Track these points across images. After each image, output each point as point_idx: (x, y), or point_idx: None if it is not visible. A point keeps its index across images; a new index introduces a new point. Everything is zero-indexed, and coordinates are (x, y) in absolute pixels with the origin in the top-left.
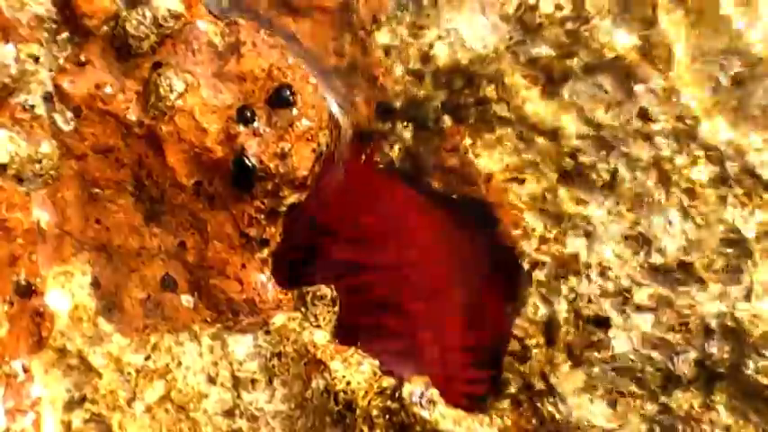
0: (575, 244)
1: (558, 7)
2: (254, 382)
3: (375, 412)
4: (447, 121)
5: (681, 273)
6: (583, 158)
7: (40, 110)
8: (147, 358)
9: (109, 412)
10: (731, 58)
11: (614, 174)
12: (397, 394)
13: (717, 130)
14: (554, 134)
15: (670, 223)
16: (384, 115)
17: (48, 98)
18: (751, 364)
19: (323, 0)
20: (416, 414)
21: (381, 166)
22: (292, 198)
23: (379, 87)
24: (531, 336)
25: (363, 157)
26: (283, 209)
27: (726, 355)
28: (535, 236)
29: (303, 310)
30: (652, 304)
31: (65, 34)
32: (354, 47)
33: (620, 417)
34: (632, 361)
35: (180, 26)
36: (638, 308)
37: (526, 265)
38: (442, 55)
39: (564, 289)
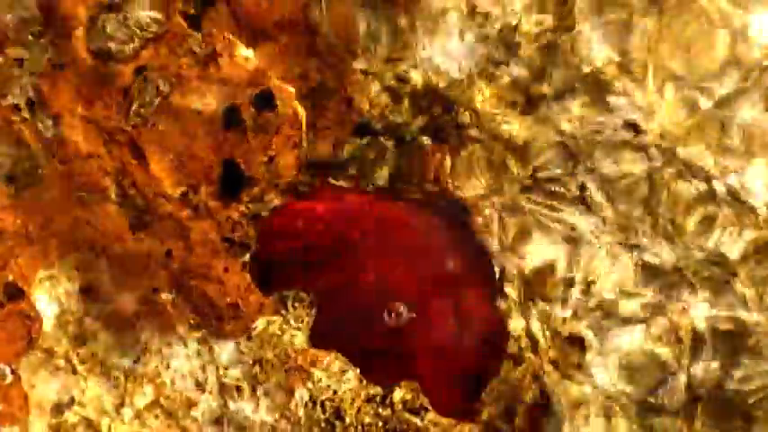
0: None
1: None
2: (239, 389)
3: (367, 420)
4: (426, 141)
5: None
6: (553, 173)
7: (26, 113)
8: (136, 361)
9: (98, 416)
10: (712, 78)
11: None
12: (387, 400)
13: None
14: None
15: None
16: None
17: (31, 102)
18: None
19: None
20: (408, 420)
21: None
22: (276, 202)
23: (355, 110)
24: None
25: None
26: (266, 213)
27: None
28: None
29: (283, 312)
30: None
31: (47, 37)
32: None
33: None
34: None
35: (161, 32)
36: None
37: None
38: (417, 79)
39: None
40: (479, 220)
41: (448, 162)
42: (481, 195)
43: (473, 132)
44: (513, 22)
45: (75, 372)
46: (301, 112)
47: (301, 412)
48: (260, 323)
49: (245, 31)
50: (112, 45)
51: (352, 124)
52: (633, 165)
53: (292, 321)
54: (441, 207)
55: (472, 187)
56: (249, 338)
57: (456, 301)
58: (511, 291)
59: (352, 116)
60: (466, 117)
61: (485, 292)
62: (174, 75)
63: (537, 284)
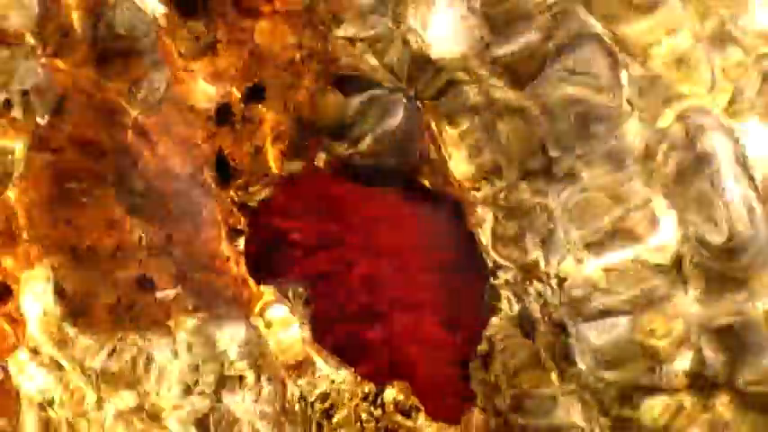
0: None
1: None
2: (241, 378)
3: (361, 415)
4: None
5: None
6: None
7: (18, 105)
8: (111, 354)
9: (77, 418)
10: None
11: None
12: (379, 400)
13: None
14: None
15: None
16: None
17: (26, 93)
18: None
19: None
20: (399, 421)
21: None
22: (264, 193)
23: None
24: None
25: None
26: (254, 204)
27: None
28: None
29: (288, 305)
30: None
31: (49, 29)
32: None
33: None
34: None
35: (161, 23)
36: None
37: (490, 263)
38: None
39: (532, 291)
40: (473, 214)
41: (446, 133)
42: (474, 176)
43: (474, 101)
44: None
45: (56, 373)
46: (292, 102)
47: (298, 406)
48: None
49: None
50: (115, 39)
51: (333, 76)
52: None
53: (295, 315)
54: (433, 202)
55: (466, 169)
56: (253, 327)
57: (443, 299)
58: (504, 275)
59: (332, 68)
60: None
61: (474, 286)
62: (172, 68)
63: (531, 270)
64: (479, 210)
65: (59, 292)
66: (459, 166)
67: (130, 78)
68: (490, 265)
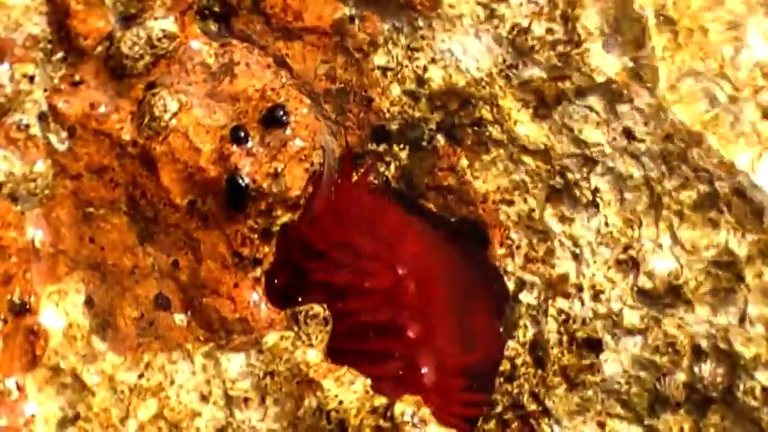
0: (563, 264)
1: (550, 31)
2: (246, 400)
3: (367, 431)
4: (441, 141)
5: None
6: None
7: (35, 129)
8: (140, 376)
9: (102, 431)
10: (721, 80)
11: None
12: (388, 413)
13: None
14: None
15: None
16: (379, 136)
17: (42, 117)
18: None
19: (315, 21)
20: None
21: (375, 186)
22: (285, 218)
23: (374, 109)
24: (521, 357)
25: (356, 177)
26: (276, 228)
27: (718, 378)
28: (521, 255)
29: (296, 329)
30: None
31: (59, 54)
32: (349, 69)
33: None
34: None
35: (174, 46)
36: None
37: (512, 285)
38: (436, 77)
39: (553, 310)
40: (496, 233)
41: (464, 161)
42: (499, 200)
43: (493, 132)
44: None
45: (80, 387)
46: (317, 126)
47: (308, 421)
48: (270, 338)
49: (274, 32)
50: (126, 62)
51: (371, 126)
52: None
53: (305, 338)
54: (456, 223)
55: (491, 187)
56: (260, 352)
57: (462, 316)
58: (527, 296)
59: (371, 117)
60: (486, 113)
61: (491, 308)
62: (185, 90)
63: (557, 285)
64: (512, 233)
65: (89, 303)
66: (488, 183)
67: (138, 103)
68: (512, 287)
